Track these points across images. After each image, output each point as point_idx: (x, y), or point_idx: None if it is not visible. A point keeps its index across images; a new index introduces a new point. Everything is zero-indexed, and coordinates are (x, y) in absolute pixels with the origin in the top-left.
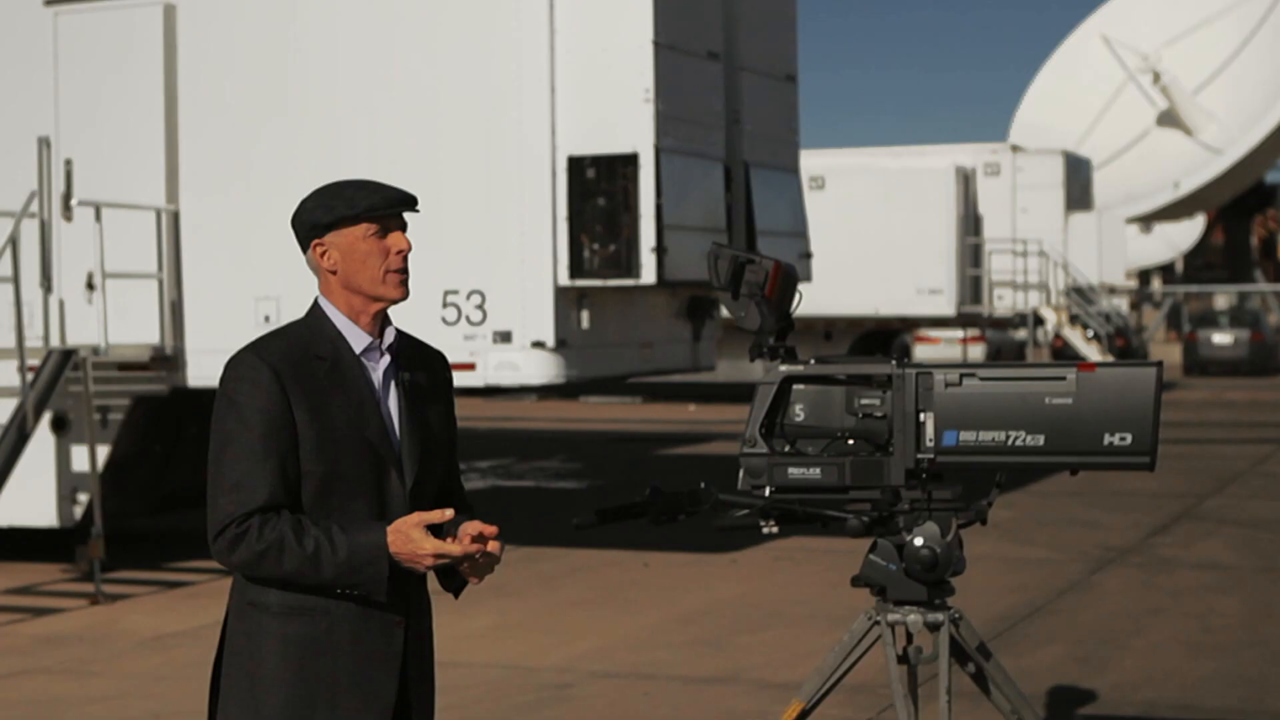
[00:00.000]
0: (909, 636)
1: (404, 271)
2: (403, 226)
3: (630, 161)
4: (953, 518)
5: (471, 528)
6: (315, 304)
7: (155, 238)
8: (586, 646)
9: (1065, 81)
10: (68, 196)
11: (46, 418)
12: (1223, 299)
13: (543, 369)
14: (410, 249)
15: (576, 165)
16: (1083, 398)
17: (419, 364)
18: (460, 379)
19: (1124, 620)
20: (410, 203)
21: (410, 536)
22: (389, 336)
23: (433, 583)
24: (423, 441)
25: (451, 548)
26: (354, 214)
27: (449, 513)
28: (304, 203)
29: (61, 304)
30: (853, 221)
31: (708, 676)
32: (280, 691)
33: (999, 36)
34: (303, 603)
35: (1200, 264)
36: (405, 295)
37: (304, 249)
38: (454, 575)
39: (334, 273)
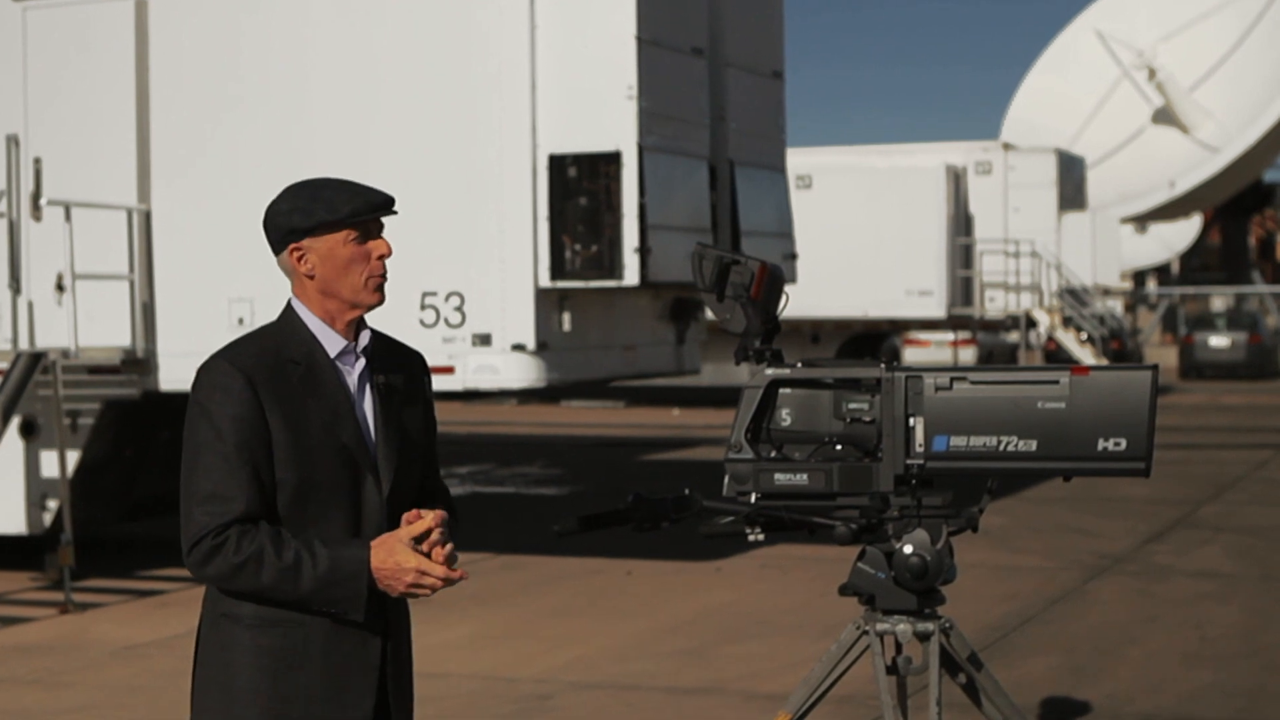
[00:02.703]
0: (898, 646)
1: (383, 277)
2: (381, 230)
3: (613, 160)
4: (943, 525)
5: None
6: (288, 306)
7: (126, 238)
8: (568, 656)
9: (1058, 78)
10: (37, 196)
11: (15, 422)
12: (1220, 301)
13: (523, 372)
14: (390, 253)
15: (558, 164)
16: (1076, 402)
17: (395, 366)
18: (439, 382)
19: (1119, 630)
20: (390, 206)
21: (394, 549)
22: (364, 339)
23: None
24: (399, 447)
25: (435, 568)
26: (335, 219)
27: (438, 514)
28: (277, 204)
29: (30, 305)
30: (841, 221)
31: (692, 687)
32: (255, 705)
33: (991, 32)
34: (277, 614)
35: (1197, 265)
36: (382, 300)
37: (277, 252)
38: None
39: (311, 277)
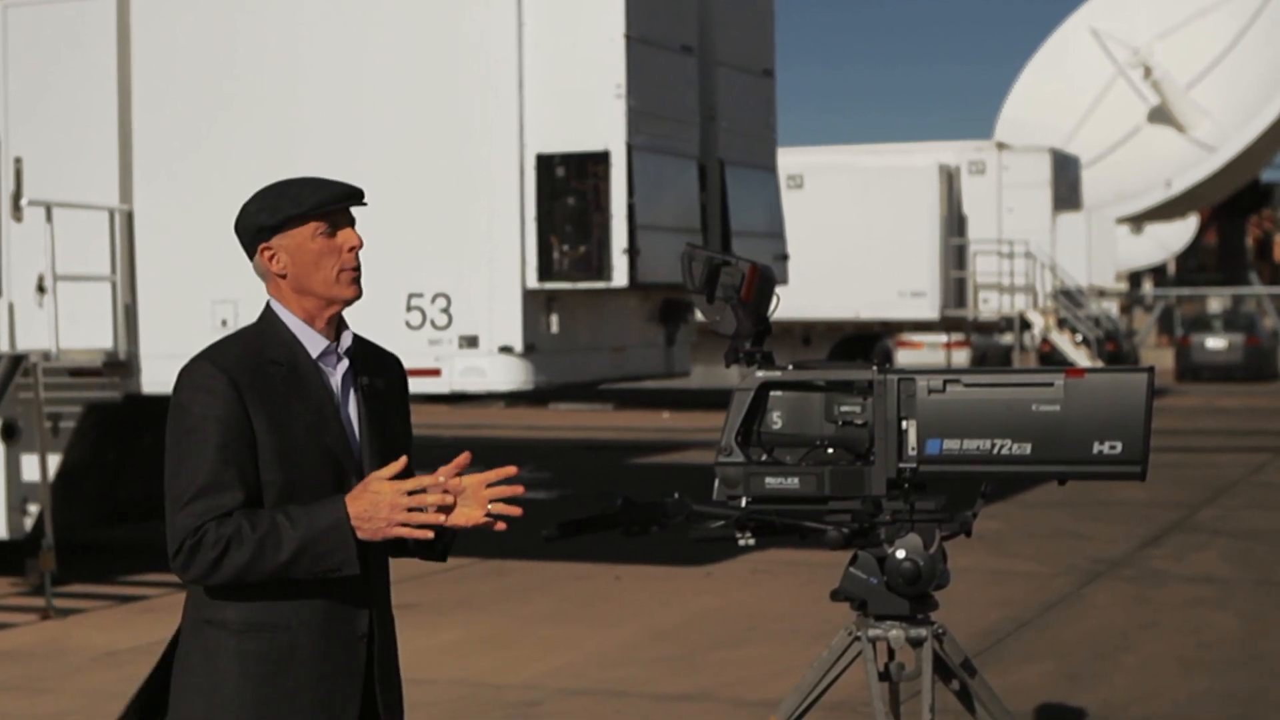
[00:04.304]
0: (891, 652)
1: (356, 269)
2: (351, 222)
3: (601, 159)
4: (936, 529)
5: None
6: (267, 308)
7: (108, 238)
8: (556, 663)
9: (1053, 76)
10: (17, 196)
11: None
12: (1216, 302)
13: (510, 375)
14: (361, 245)
15: (545, 163)
16: (1071, 405)
17: (376, 368)
18: (425, 385)
19: (1114, 635)
20: (357, 196)
21: (367, 486)
22: (346, 340)
23: (395, 597)
24: (383, 448)
25: (415, 482)
26: (301, 213)
27: (401, 462)
28: (246, 206)
29: (11, 307)
30: (832, 222)
31: (682, 694)
32: (241, 712)
33: (984, 29)
34: (263, 619)
35: (1193, 266)
36: (359, 294)
37: (250, 254)
38: (435, 541)
39: (284, 276)
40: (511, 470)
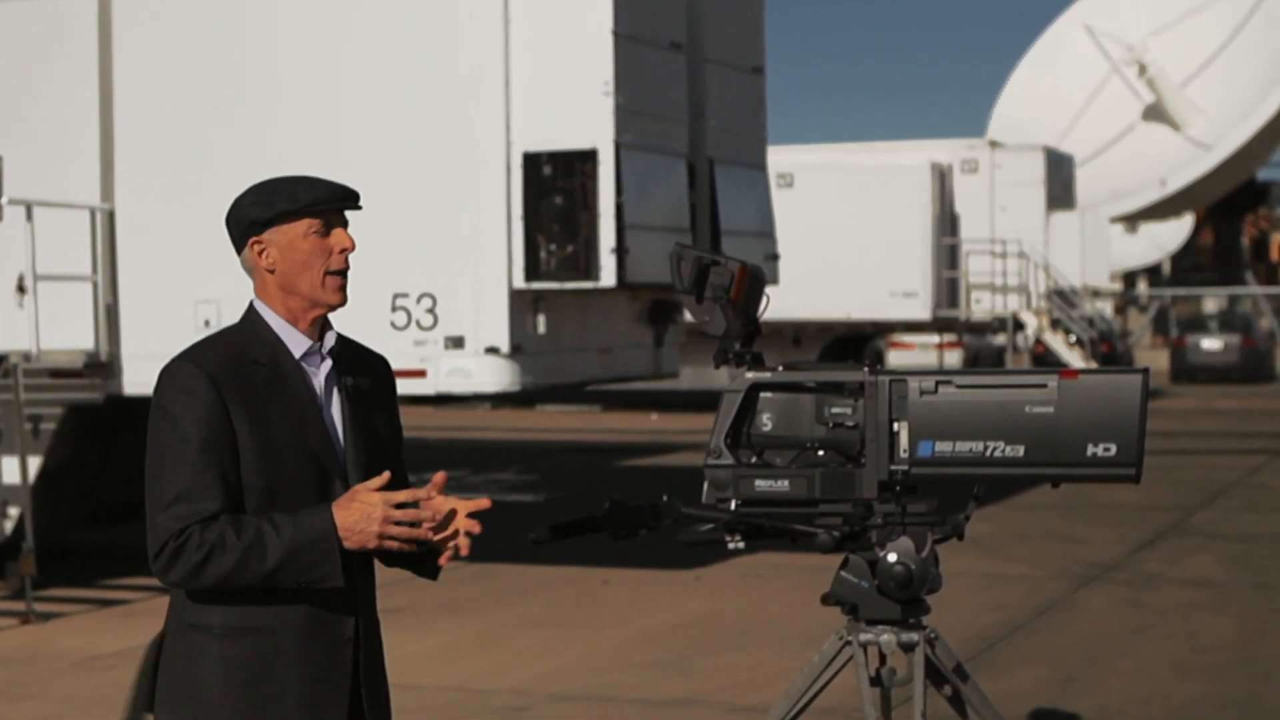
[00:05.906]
0: (882, 657)
1: (344, 275)
2: (345, 224)
3: (589, 158)
4: (928, 532)
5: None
6: (251, 307)
7: (90, 238)
8: (543, 667)
9: (1046, 74)
10: None
11: None
12: (1212, 302)
13: (497, 376)
14: (353, 248)
15: (532, 162)
16: (1065, 406)
17: (361, 369)
18: (411, 386)
19: (1108, 640)
20: (353, 198)
21: (354, 496)
22: (329, 340)
23: (382, 601)
24: (367, 450)
25: (409, 494)
26: (295, 209)
27: (386, 475)
28: (240, 198)
29: None
30: (823, 221)
31: (671, 699)
32: (225, 716)
33: (978, 26)
34: (247, 622)
35: (1188, 265)
36: (344, 302)
37: (239, 248)
38: (423, 557)
39: (271, 272)
40: (486, 503)
